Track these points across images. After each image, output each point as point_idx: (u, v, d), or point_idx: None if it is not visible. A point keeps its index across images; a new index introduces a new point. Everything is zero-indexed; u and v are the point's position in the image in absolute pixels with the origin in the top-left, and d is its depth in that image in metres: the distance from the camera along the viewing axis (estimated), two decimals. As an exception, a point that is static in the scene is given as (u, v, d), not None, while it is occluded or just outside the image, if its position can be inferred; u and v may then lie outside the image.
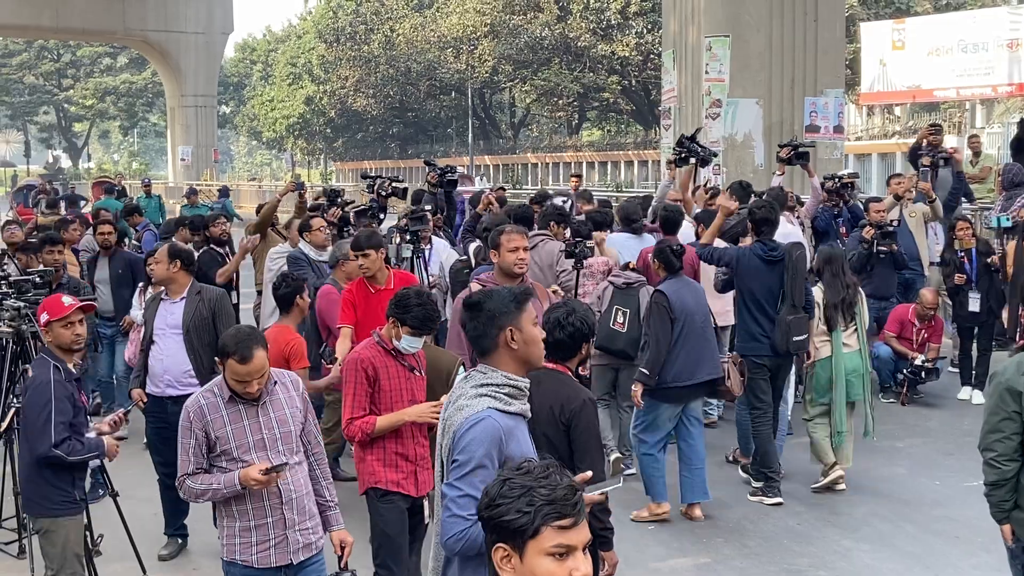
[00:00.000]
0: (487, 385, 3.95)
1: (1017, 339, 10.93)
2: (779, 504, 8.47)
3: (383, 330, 5.89)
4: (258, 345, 4.88)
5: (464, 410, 3.92)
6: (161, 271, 7.57)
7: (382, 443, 5.81)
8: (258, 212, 14.03)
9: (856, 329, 8.85)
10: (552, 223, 9.37)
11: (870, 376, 9.19)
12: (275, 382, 5.08)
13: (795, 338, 8.53)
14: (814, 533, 7.94)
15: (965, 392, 11.66)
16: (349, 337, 7.60)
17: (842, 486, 8.78)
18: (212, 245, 11.59)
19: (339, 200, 11.10)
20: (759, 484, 8.66)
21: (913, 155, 13.86)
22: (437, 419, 4.90)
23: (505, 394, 3.94)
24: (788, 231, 9.92)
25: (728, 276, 9.06)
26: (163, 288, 7.65)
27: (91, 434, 5.88)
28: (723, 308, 9.64)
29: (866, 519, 8.18)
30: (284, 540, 5.00)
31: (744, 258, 8.76)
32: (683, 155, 11.51)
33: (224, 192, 27.81)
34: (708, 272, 9.66)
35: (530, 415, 4.13)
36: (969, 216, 12.29)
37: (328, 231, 9.93)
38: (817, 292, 8.84)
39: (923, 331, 11.51)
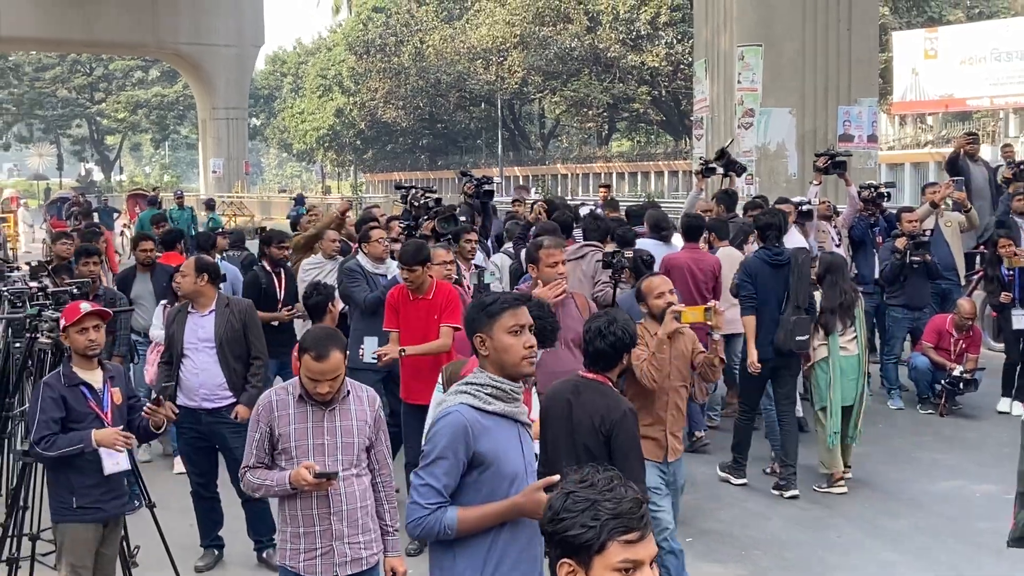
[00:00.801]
0: (471, 384, 4.11)
1: None
2: (743, 485, 9.08)
3: None
4: (336, 346, 4.89)
5: (441, 405, 4.12)
6: (188, 285, 7.53)
7: None
8: (294, 227, 14.06)
9: (856, 335, 9.10)
10: (608, 236, 9.47)
11: (865, 380, 9.39)
12: (349, 392, 5.06)
13: (798, 337, 8.84)
14: (854, 546, 7.85)
15: (1005, 403, 11.50)
16: (396, 341, 7.71)
17: (843, 488, 9.03)
18: (264, 263, 10.49)
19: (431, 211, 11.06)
20: (730, 464, 9.28)
21: (950, 165, 13.72)
22: None
23: (487, 394, 4.07)
24: (796, 240, 10.34)
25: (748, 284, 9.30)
26: (188, 301, 7.65)
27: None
28: (733, 316, 9.78)
29: (907, 532, 8.08)
30: (331, 551, 4.95)
31: (751, 264, 9.16)
32: (708, 166, 11.76)
33: (300, 200, 27.58)
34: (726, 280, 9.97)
35: (526, 419, 4.19)
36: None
37: (387, 244, 9.69)
38: (816, 297, 9.21)
39: (961, 341, 11.38)
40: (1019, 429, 5.29)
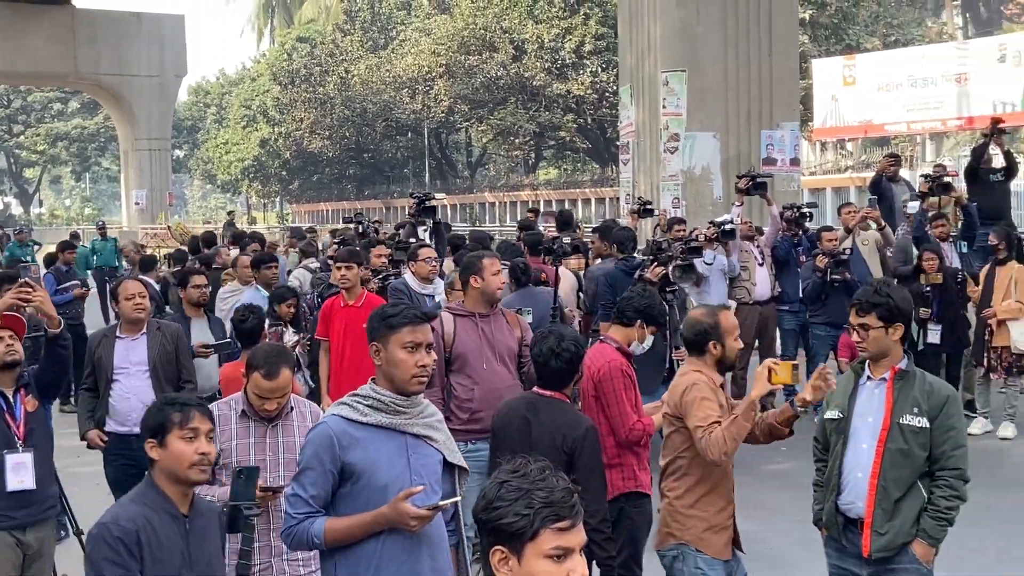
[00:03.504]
0: (353, 395, 4.14)
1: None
2: None
3: (618, 335, 5.98)
4: (286, 364, 4.93)
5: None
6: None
7: (638, 449, 5.86)
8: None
9: None
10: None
11: None
12: (292, 408, 5.06)
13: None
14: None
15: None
16: (327, 351, 7.77)
17: None
18: None
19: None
20: None
21: (873, 186, 14.00)
22: None
23: (366, 405, 4.07)
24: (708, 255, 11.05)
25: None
26: (114, 325, 7.58)
27: None
28: None
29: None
30: (269, 568, 4.92)
31: (612, 275, 10.00)
32: (646, 207, 12.28)
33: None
34: None
35: (421, 431, 4.13)
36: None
37: (435, 265, 9.34)
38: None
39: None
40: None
